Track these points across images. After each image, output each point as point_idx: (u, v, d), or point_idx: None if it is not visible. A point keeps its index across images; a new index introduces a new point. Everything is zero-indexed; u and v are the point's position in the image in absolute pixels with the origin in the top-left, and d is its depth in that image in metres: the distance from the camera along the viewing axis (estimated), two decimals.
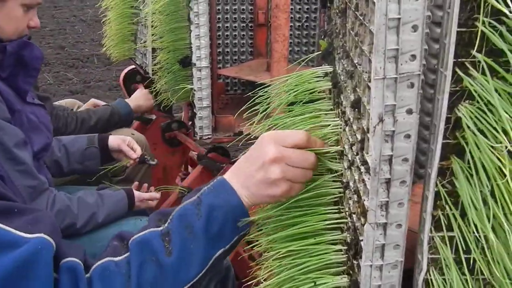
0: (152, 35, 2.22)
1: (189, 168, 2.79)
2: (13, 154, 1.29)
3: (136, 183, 1.91)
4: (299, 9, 2.38)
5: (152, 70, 2.42)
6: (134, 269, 0.86)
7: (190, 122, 2.15)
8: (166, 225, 0.90)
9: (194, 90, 1.92)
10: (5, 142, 1.26)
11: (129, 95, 2.92)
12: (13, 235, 0.80)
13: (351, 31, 0.87)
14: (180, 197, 2.15)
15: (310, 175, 0.94)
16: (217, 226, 0.90)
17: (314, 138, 0.94)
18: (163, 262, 0.86)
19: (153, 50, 2.45)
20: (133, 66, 2.89)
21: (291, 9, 2.33)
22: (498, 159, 0.55)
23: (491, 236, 0.59)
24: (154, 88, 2.31)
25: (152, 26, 2.22)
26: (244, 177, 0.92)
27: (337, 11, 1.01)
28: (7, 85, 1.39)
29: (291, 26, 2.36)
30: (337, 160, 0.99)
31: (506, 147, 0.54)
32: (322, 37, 1.20)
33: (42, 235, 0.82)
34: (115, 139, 1.89)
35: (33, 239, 0.81)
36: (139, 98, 2.52)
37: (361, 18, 0.78)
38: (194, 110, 1.95)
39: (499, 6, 0.53)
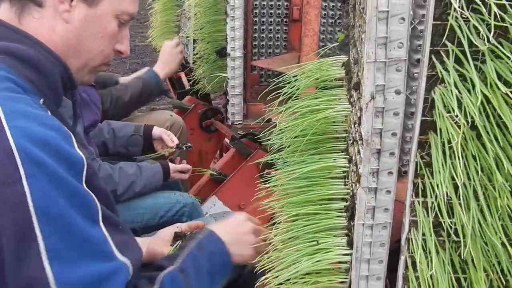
0: (193, 26, 2.39)
1: (224, 154, 2.95)
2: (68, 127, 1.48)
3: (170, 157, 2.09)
4: (333, 6, 2.50)
5: (192, 60, 2.58)
6: None
7: (224, 109, 2.30)
8: (178, 264, 1.04)
9: (228, 79, 2.07)
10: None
11: (172, 85, 3.11)
12: (110, 248, 0.86)
13: (357, 23, 1.00)
14: (212, 179, 2.32)
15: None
16: (216, 266, 1.14)
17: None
18: None
19: (194, 41, 2.62)
20: None
21: (325, 6, 2.45)
22: (453, 127, 0.68)
23: (448, 191, 0.71)
24: (193, 76, 2.48)
25: (193, 18, 2.38)
26: (228, 236, 1.20)
27: (351, 6, 1.13)
28: None
29: (324, 22, 2.48)
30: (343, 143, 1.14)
31: (457, 116, 0.66)
32: (341, 30, 1.33)
33: (128, 261, 0.88)
34: (158, 130, 2.08)
35: (120, 261, 0.87)
36: (167, 61, 2.47)
37: (361, 11, 0.91)
38: (227, 97, 2.11)
39: (456, 7, 0.65)
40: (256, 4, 2.47)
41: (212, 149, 2.90)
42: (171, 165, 1.90)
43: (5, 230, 0.77)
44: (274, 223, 1.18)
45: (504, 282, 0.81)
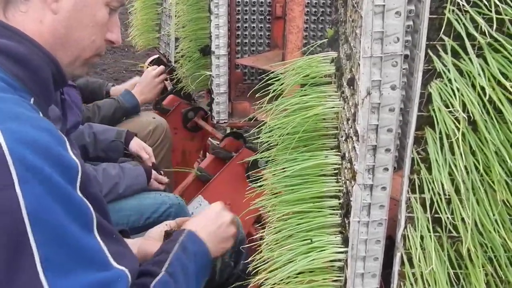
0: (175, 24, 2.36)
1: (207, 154, 2.93)
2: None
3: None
4: (315, 3, 2.50)
5: (174, 58, 2.55)
6: None
7: (209, 108, 2.28)
8: (166, 269, 1.02)
9: (212, 77, 2.05)
10: None
11: None
12: (106, 258, 0.84)
13: (350, 18, 0.99)
14: (197, 179, 2.30)
15: None
16: (199, 267, 1.12)
17: None
18: None
19: (176, 39, 2.59)
20: (157, 55, 3.03)
21: (308, 2, 2.44)
22: (453, 122, 0.67)
23: (447, 187, 0.71)
24: (176, 75, 2.45)
25: (175, 16, 2.35)
26: (207, 234, 1.18)
27: (341, 1, 1.12)
28: None
29: (307, 19, 2.47)
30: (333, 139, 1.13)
31: (457, 111, 0.66)
32: (331, 26, 1.32)
33: (125, 269, 0.87)
34: (136, 145, 2.03)
35: (118, 269, 0.85)
36: (145, 90, 2.48)
37: (356, 5, 0.90)
38: (212, 96, 2.08)
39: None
40: (238, 2, 2.45)
41: (195, 148, 2.87)
42: (153, 172, 1.88)
43: None
44: (265, 223, 1.17)
45: (502, 276, 0.81)
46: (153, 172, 1.90)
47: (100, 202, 0.91)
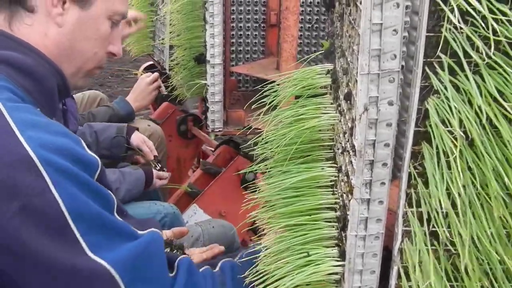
0: (170, 33, 2.36)
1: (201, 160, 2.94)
2: None
3: None
4: (310, 11, 2.51)
5: (169, 66, 2.55)
6: None
7: (204, 116, 2.28)
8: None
9: (207, 86, 2.05)
10: None
11: None
12: (131, 229, 0.93)
13: (346, 33, 1.00)
14: (187, 193, 2.31)
15: None
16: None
17: None
18: None
19: (170, 47, 2.59)
20: (151, 62, 3.03)
21: (302, 11, 2.45)
22: (452, 141, 0.68)
23: (446, 204, 0.72)
24: (171, 83, 2.45)
25: (170, 24, 2.36)
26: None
27: (337, 15, 1.13)
28: None
29: (301, 27, 2.48)
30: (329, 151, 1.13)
31: (455, 130, 0.66)
32: (326, 38, 1.33)
33: (152, 229, 0.97)
34: (137, 139, 2.04)
35: (146, 234, 0.95)
36: (139, 97, 2.49)
37: (353, 22, 0.90)
38: (207, 104, 2.09)
39: (454, 20, 0.65)
40: (233, 10, 2.45)
41: (190, 155, 2.87)
42: (154, 171, 1.88)
43: (41, 240, 0.80)
44: (260, 231, 1.16)
45: None
46: (154, 172, 1.92)
47: (111, 189, 0.98)
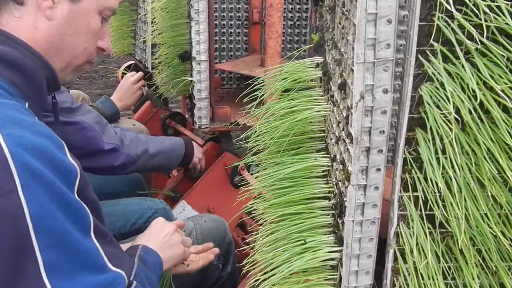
0: (153, 31, 2.36)
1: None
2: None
3: None
4: (292, 8, 2.54)
5: (152, 64, 2.55)
6: None
7: (189, 113, 2.29)
8: (134, 278, 1.02)
9: (194, 82, 2.06)
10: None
11: None
12: (103, 261, 0.87)
13: (339, 25, 1.02)
14: (180, 182, 2.31)
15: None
16: (158, 277, 1.15)
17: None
18: None
19: (153, 45, 2.59)
20: (132, 61, 3.02)
21: (284, 8, 2.48)
22: (446, 124, 0.71)
23: (442, 186, 0.75)
24: (154, 81, 2.45)
25: (152, 23, 2.36)
26: (157, 246, 1.21)
27: (327, 8, 1.16)
28: None
29: (284, 24, 2.51)
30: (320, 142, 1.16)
31: (450, 113, 0.70)
32: (314, 32, 1.35)
33: (121, 272, 0.91)
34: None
35: (114, 272, 0.89)
36: (123, 96, 2.47)
37: (346, 13, 0.93)
38: (194, 101, 2.10)
39: (448, 7, 0.68)
40: (216, 8, 2.47)
41: None
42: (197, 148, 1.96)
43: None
44: (247, 226, 1.19)
45: (491, 267, 0.85)
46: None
47: (95, 203, 0.93)
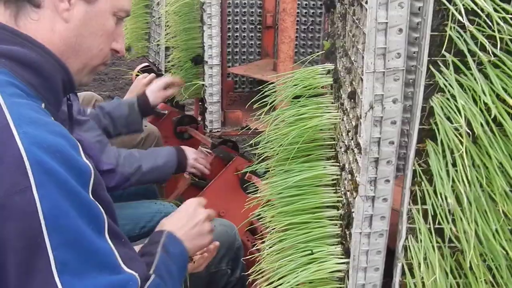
0: (166, 34, 2.36)
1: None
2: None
3: None
4: (305, 13, 2.53)
5: (165, 67, 2.56)
6: None
7: (201, 117, 2.28)
8: (154, 271, 1.02)
9: (206, 86, 2.06)
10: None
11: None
12: (116, 261, 0.86)
13: (350, 33, 1.01)
14: (191, 185, 2.30)
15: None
16: (180, 268, 1.11)
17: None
18: None
19: (166, 48, 2.59)
20: (147, 64, 3.03)
21: (298, 13, 2.47)
22: (457, 137, 0.69)
23: (451, 200, 0.73)
24: None
25: (166, 26, 2.36)
26: (184, 233, 1.17)
27: (339, 15, 1.14)
28: None
29: (297, 29, 2.50)
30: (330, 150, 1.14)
31: (462, 127, 0.68)
32: (326, 38, 1.34)
33: (134, 273, 0.89)
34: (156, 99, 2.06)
35: (127, 273, 0.87)
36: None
37: (357, 21, 0.91)
38: (205, 105, 2.09)
39: (460, 18, 0.66)
40: (229, 12, 2.47)
41: None
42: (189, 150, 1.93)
43: (12, 240, 0.75)
44: (258, 232, 1.17)
45: (501, 284, 0.83)
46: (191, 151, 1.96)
47: (109, 204, 0.92)
